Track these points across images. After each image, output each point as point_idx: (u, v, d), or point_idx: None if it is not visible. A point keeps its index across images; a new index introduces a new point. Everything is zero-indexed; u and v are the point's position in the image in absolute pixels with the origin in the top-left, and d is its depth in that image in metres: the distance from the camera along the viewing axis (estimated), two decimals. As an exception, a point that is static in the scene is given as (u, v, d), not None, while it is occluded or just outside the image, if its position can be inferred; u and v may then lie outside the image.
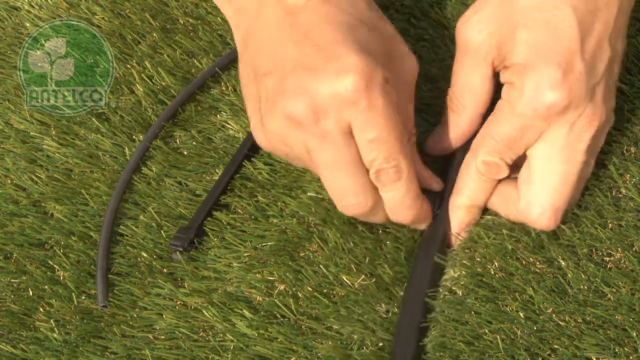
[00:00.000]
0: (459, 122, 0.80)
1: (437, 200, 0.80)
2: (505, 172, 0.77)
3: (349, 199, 0.77)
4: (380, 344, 0.76)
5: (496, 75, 0.78)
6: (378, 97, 0.74)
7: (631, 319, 0.73)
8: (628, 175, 0.79)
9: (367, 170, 0.76)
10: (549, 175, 0.75)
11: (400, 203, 0.78)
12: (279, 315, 0.79)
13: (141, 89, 0.94)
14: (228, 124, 0.90)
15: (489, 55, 0.77)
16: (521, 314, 0.74)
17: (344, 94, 0.73)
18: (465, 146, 0.80)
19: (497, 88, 0.79)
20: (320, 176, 0.77)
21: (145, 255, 0.84)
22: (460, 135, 0.80)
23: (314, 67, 0.74)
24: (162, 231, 0.85)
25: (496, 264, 0.77)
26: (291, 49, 0.76)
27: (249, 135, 0.88)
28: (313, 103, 0.74)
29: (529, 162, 0.76)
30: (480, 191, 0.79)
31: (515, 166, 0.78)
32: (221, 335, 0.80)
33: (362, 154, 0.76)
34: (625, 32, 0.77)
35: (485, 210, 0.80)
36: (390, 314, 0.78)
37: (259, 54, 0.78)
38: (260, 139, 0.78)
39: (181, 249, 0.83)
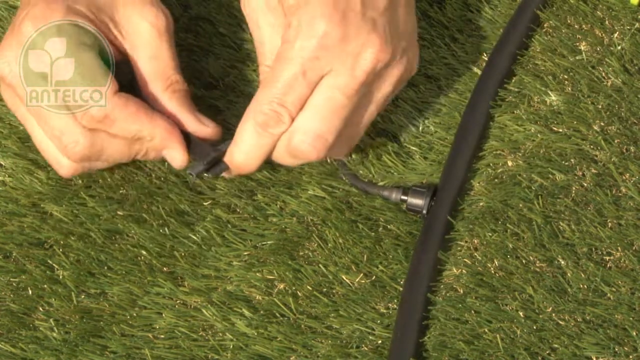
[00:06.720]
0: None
1: (429, 194, 0.79)
2: (285, 122, 0.75)
3: (64, 138, 0.80)
4: (379, 342, 0.76)
5: None
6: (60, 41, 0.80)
7: (631, 318, 0.73)
8: (628, 174, 0.79)
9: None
10: (320, 103, 0.74)
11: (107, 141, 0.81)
12: (278, 315, 0.79)
13: (141, 89, 0.94)
14: (228, 122, 0.90)
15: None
16: (521, 313, 0.74)
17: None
18: None
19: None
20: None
21: (145, 253, 0.84)
22: None
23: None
24: (163, 229, 0.85)
25: (496, 262, 0.77)
26: None
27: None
28: None
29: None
30: (257, 148, 0.77)
31: None
32: (221, 334, 0.80)
33: None
34: None
35: (491, 212, 0.80)
36: (389, 313, 0.77)
37: None
38: None
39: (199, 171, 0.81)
